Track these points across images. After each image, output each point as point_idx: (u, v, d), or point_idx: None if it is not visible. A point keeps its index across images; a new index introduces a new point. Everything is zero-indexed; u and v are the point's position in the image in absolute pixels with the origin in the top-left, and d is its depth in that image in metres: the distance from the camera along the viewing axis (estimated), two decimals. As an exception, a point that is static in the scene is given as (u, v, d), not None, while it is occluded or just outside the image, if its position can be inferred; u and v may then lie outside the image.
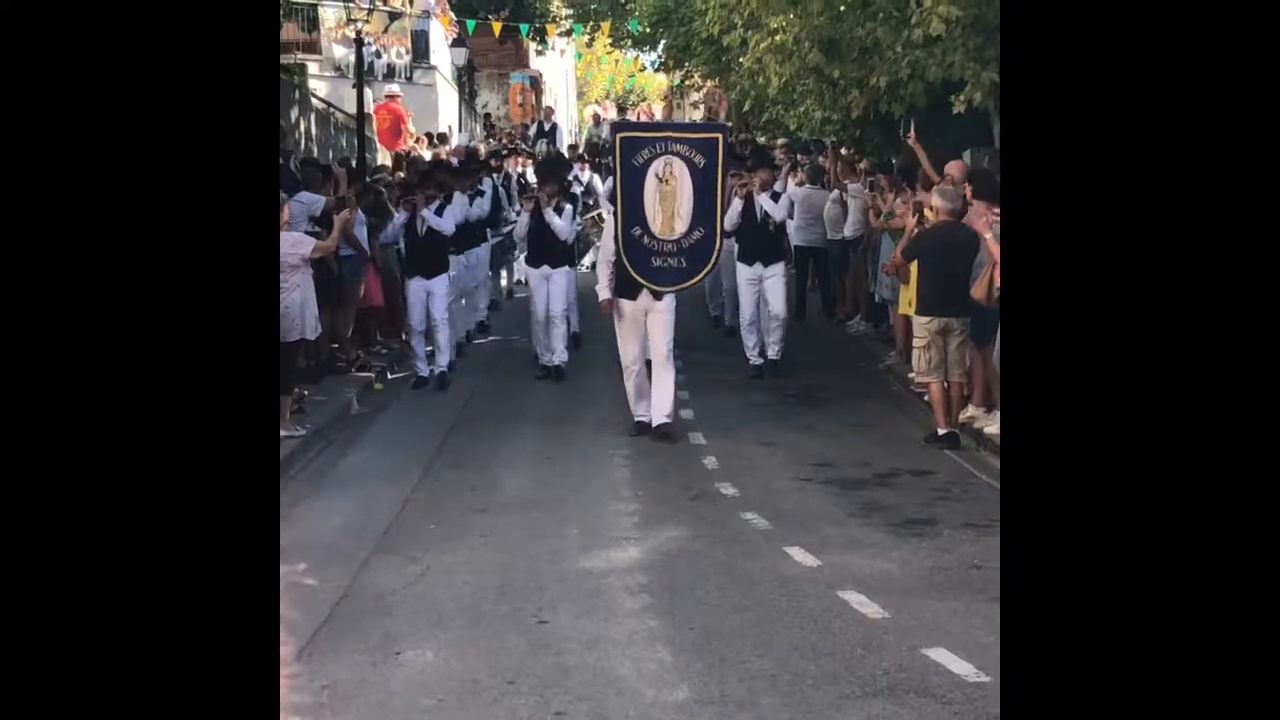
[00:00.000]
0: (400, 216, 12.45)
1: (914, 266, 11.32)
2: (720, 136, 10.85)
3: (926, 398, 11.05)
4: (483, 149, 21.63)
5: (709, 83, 24.37)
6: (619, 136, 10.82)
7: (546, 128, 26.37)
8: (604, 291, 10.46)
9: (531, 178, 16.57)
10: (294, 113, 17.26)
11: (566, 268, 13.13)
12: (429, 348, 12.59)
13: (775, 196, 13.04)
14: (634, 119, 32.65)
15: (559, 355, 12.80)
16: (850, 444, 10.08)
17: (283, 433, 9.77)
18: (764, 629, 6.05)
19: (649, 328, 10.39)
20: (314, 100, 18.93)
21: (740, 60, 15.08)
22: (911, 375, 11.77)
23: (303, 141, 17.61)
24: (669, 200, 10.32)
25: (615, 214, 10.37)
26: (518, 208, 14.68)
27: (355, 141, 17.58)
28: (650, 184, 10.31)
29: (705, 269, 10.65)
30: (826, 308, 16.32)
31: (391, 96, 22.01)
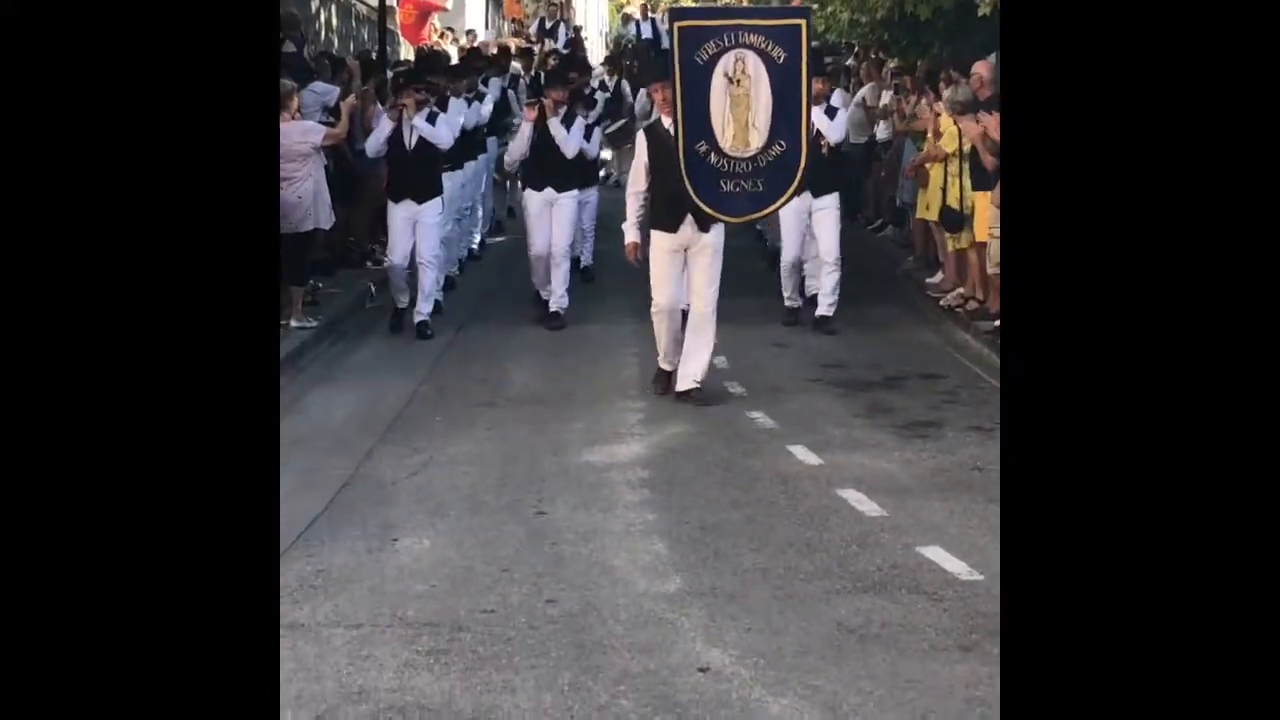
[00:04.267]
0: (384, 126, 10.31)
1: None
2: (804, 23, 8.46)
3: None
4: (514, 45, 21.18)
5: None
6: (677, 26, 8.41)
7: (549, 25, 22.77)
8: (631, 232, 8.61)
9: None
10: (314, 3, 17.07)
11: (575, 191, 11.04)
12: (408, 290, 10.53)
13: (831, 112, 10.61)
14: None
15: (558, 299, 10.75)
16: (862, 346, 10.03)
17: (294, 324, 9.80)
18: (760, 524, 6.07)
19: (691, 272, 8.42)
20: (336, -9, 18.72)
21: (768, -41, 14.81)
22: (930, 280, 11.73)
23: (323, 33, 17.43)
24: (741, 106, 8.21)
25: (676, 124, 8.24)
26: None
27: (377, 34, 17.38)
28: (718, 86, 8.18)
29: (787, 192, 8.47)
30: (848, 211, 16.14)
31: (416, -12, 21.74)
